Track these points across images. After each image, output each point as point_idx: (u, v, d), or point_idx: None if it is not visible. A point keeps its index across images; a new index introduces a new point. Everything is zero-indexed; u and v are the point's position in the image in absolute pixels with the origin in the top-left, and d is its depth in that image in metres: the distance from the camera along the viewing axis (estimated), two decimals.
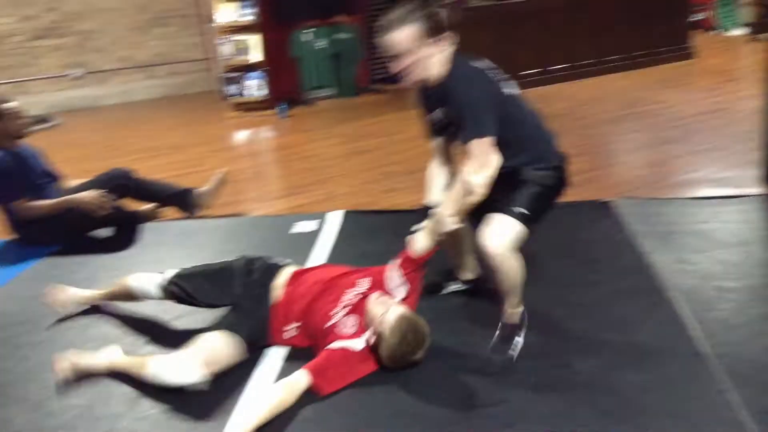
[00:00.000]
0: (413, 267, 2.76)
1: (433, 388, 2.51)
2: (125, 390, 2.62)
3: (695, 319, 2.83)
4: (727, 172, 4.73)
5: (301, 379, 2.47)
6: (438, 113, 2.72)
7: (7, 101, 4.11)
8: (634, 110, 6.77)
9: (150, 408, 2.51)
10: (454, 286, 3.20)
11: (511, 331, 2.72)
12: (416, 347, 2.58)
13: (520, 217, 2.62)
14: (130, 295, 3.11)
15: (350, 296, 2.71)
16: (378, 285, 2.75)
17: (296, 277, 2.88)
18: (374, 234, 3.97)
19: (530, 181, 2.68)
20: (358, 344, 2.60)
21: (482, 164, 2.53)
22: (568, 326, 2.88)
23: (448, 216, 2.59)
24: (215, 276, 2.93)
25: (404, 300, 2.74)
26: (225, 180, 4.60)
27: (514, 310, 2.74)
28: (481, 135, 2.53)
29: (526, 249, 2.70)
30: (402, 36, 2.50)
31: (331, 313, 2.68)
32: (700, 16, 11.15)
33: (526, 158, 2.70)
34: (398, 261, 2.77)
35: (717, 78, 8.11)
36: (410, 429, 2.31)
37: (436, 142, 2.86)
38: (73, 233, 4.18)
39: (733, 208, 3.98)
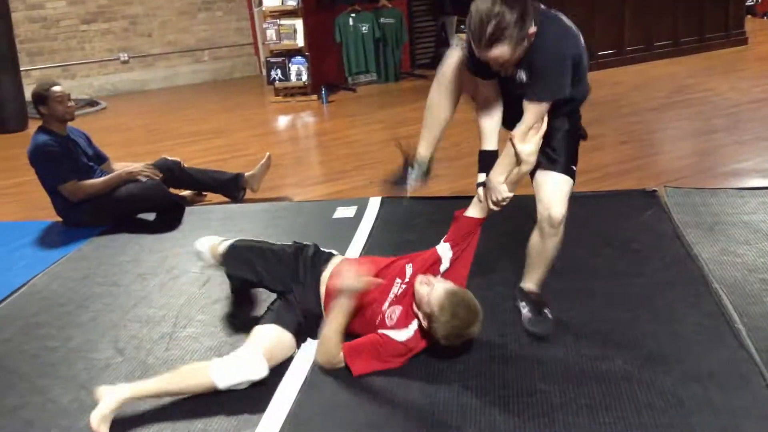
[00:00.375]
0: (463, 237, 2.74)
1: (469, 377, 2.50)
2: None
3: (739, 312, 2.78)
4: None
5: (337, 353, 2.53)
6: (517, 73, 2.51)
7: (53, 85, 4.19)
8: (681, 97, 6.64)
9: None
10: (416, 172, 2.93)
11: (540, 304, 2.76)
12: (470, 321, 2.52)
13: (574, 174, 2.67)
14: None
15: (397, 287, 2.67)
16: (419, 269, 2.71)
17: (337, 274, 2.78)
18: (413, 220, 3.96)
19: (561, 128, 2.66)
20: (400, 335, 2.57)
21: (531, 126, 2.50)
22: (610, 316, 2.85)
23: (501, 183, 2.56)
24: (271, 255, 2.88)
25: (451, 276, 2.71)
26: (269, 164, 4.64)
27: (539, 288, 2.80)
28: (544, 99, 2.48)
29: (566, 237, 2.69)
30: (499, 52, 2.33)
31: (382, 308, 2.65)
32: (753, 1, 10.89)
33: (565, 111, 2.65)
34: (447, 236, 2.76)
35: None
36: (446, 416, 2.31)
37: (489, 84, 2.63)
38: (119, 216, 4.25)
39: None
